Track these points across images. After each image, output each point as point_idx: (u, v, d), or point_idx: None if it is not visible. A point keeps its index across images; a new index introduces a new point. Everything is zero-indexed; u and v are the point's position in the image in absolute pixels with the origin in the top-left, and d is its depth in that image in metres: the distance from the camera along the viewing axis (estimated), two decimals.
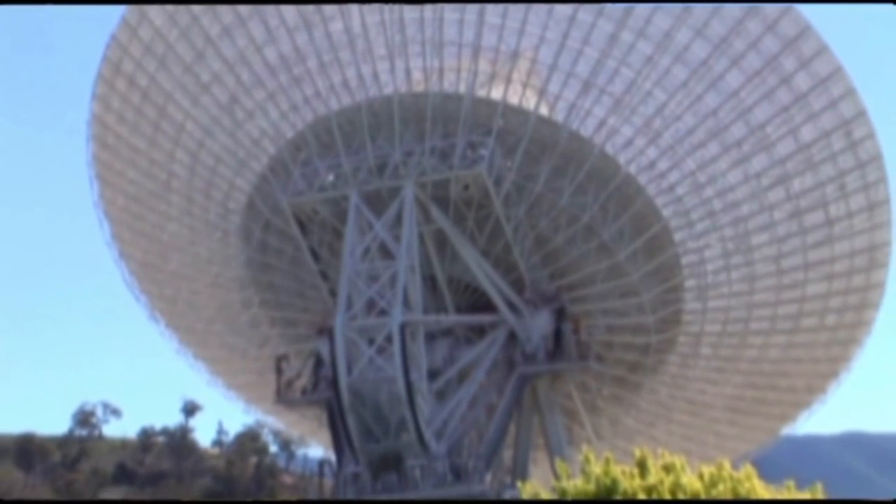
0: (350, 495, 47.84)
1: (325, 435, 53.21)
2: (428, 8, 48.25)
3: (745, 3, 46.69)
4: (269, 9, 49.72)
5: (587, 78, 48.86)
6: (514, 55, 49.12)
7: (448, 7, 48.26)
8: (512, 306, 51.43)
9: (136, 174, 55.29)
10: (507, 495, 46.64)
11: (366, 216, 49.11)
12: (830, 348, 55.75)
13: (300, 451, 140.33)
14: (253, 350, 59.18)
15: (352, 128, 50.55)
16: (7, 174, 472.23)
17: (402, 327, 46.24)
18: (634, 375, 55.85)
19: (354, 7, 48.96)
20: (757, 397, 58.78)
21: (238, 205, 54.14)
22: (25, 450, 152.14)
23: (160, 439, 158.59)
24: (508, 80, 49.64)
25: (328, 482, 51.10)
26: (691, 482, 21.67)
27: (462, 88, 49.64)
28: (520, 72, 49.68)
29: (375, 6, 48.81)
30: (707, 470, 22.08)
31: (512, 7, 47.81)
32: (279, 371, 53.97)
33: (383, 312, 46.98)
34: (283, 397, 54.03)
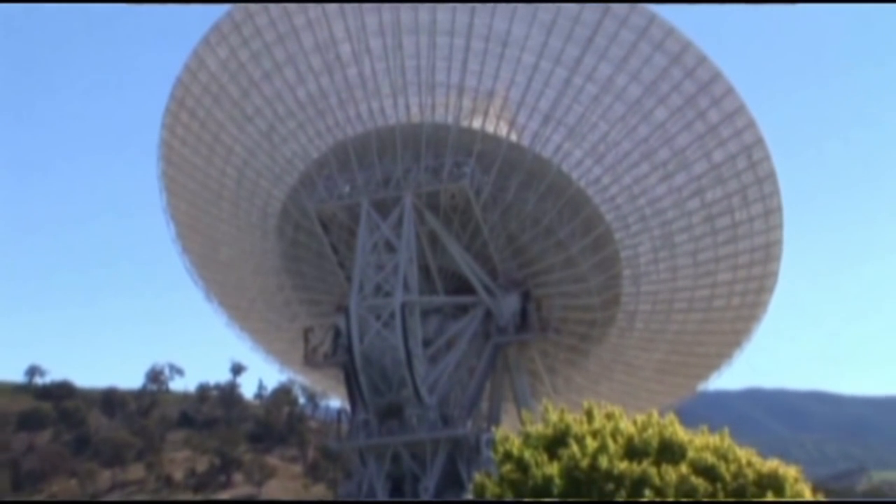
0: (361, 438, 47.87)
1: (343, 390, 53.08)
2: (423, 56, 48.16)
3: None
4: (300, 56, 49.56)
5: (547, 112, 48.76)
6: (491, 94, 49.03)
7: (439, 56, 48.16)
8: (488, 290, 51.32)
9: (195, 186, 55.04)
10: (484, 438, 46.61)
11: (374, 219, 48.98)
12: (735, 323, 55.74)
13: (323, 403, 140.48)
14: (285, 323, 58.95)
15: (364, 150, 50.37)
16: (103, 189, 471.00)
17: (403, 306, 46.35)
18: (584, 344, 55.77)
19: (366, 57, 48.86)
20: (679, 361, 58.74)
21: (274, 210, 53.92)
22: (109, 400, 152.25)
23: (214, 393, 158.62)
24: (486, 114, 49.53)
25: (344, 427, 51.03)
26: (627, 427, 21.60)
27: (450, 120, 49.51)
28: (495, 107, 49.57)
29: (383, 56, 48.71)
30: (639, 418, 21.99)
31: (489, 56, 47.73)
32: (306, 340, 53.76)
33: (388, 294, 47.04)
34: (310, 360, 53.82)
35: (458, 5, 46.87)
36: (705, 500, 19.59)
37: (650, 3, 46.67)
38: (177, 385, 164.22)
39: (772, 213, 50.90)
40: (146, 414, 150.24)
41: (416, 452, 47.51)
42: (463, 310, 52.16)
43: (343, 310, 48.90)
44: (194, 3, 52.43)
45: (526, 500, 20.17)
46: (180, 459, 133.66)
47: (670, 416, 22.11)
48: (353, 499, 49.23)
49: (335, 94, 50.16)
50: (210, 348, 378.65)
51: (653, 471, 19.83)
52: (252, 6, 48.88)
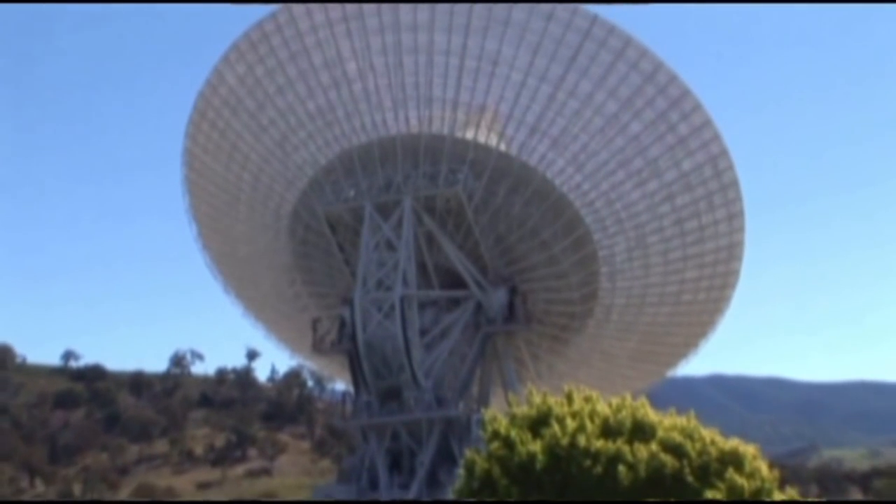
0: (364, 417, 47.83)
1: (347, 374, 52.98)
2: (422, 74, 48.10)
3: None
4: (310, 73, 49.44)
5: (534, 124, 48.71)
6: (482, 108, 48.99)
7: (436, 73, 48.09)
8: (479, 285, 51.26)
9: (215, 189, 54.93)
10: (475, 418, 46.58)
11: (377, 220, 48.94)
12: (701, 315, 55.76)
13: (329, 386, 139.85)
14: (296, 314, 58.82)
15: (367, 158, 50.31)
16: (129, 193, 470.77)
17: (402, 299, 46.39)
18: (565, 334, 55.76)
19: (370, 74, 48.78)
20: (650, 350, 58.75)
21: (286, 212, 53.81)
22: (137, 382, 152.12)
23: (231, 376, 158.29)
24: (478, 126, 49.48)
25: (349, 407, 50.97)
26: (603, 409, 21.62)
27: (445, 131, 49.44)
28: (486, 120, 49.53)
29: (385, 73, 48.61)
30: (614, 401, 22.02)
31: (481, 74, 47.66)
32: (314, 329, 53.71)
33: (388, 288, 47.04)
34: (318, 348, 53.78)
35: (453, 28, 46.82)
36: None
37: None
38: (198, 369, 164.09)
39: (735, 217, 50.95)
40: (170, 395, 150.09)
41: (413, 431, 47.52)
42: (456, 303, 52.11)
43: (348, 302, 48.86)
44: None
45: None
46: (200, 436, 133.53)
47: (642, 400, 22.14)
48: (355, 472, 49.18)
49: (342, 107, 50.07)
50: (228, 336, 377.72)
51: (626, 448, 19.93)
52: (267, 27, 48.80)
